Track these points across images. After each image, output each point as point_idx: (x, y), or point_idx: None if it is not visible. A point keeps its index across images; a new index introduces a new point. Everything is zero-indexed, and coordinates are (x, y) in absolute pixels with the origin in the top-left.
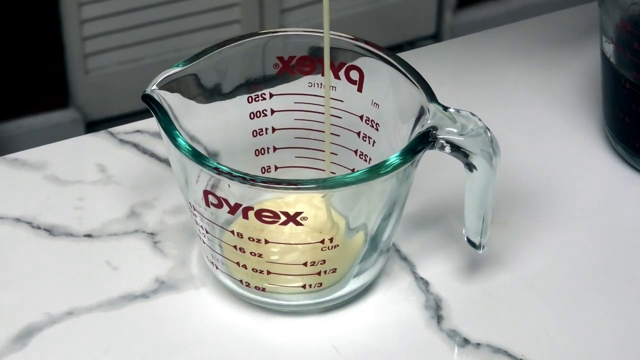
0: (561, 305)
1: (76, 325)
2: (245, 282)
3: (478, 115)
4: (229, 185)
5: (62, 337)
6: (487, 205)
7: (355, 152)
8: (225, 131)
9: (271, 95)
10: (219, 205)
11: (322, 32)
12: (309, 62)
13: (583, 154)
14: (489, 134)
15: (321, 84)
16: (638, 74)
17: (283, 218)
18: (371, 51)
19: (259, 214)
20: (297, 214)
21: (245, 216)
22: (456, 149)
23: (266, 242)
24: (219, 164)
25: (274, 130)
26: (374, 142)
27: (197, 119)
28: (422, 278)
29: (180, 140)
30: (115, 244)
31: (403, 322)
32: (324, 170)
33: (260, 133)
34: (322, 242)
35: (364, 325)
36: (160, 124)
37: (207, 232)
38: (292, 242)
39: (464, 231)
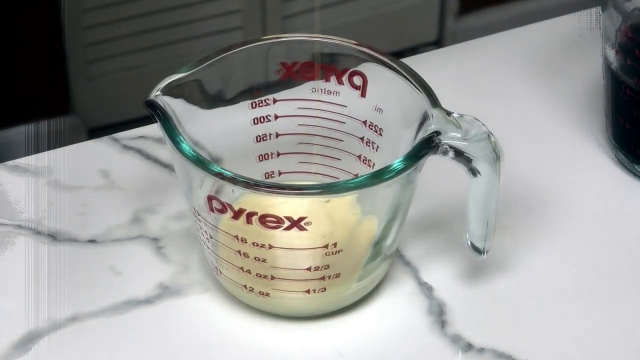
0: (564, 310)
1: (79, 331)
2: (249, 287)
3: (481, 121)
4: (233, 191)
5: (65, 342)
6: (491, 210)
7: (359, 157)
8: (229, 137)
9: (274, 101)
10: (222, 211)
11: (326, 38)
12: (311, 67)
13: (585, 159)
14: (492, 139)
15: (324, 89)
16: (639, 80)
17: (287, 223)
18: (374, 57)
19: (262, 219)
20: (301, 219)
21: (249, 221)
22: (459, 154)
23: (270, 247)
24: (223, 169)
25: (277, 135)
26: (377, 147)
27: (201, 124)
28: (425, 283)
29: (183, 145)
30: (119, 250)
31: (406, 327)
32: (327, 175)
33: (264, 138)
34: (326, 247)
35: (368, 330)
36: (164, 130)
37: (210, 237)
38: (295, 247)
39: (467, 236)
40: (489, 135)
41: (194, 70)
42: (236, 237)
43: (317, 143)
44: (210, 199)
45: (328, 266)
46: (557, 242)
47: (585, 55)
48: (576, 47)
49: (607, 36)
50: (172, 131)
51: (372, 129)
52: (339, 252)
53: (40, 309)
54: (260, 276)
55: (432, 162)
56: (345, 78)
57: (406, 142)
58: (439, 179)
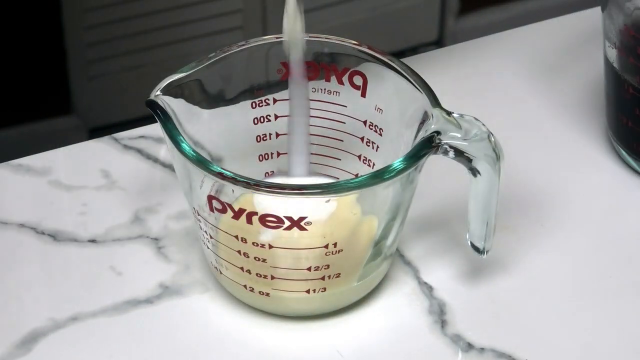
0: (565, 310)
1: (80, 331)
2: (249, 287)
3: (481, 120)
4: (233, 191)
5: (66, 342)
6: (491, 210)
7: (359, 157)
8: (229, 136)
9: (275, 101)
10: (223, 210)
11: (326, 38)
12: (312, 67)
13: (586, 158)
14: (493, 139)
15: (325, 89)
16: None
17: (287, 223)
18: (375, 56)
19: (262, 219)
20: (301, 218)
21: (249, 221)
22: (460, 154)
23: (270, 247)
24: (223, 169)
25: (277, 135)
26: (377, 147)
27: (201, 124)
28: (425, 283)
29: (184, 145)
30: (120, 249)
31: (407, 326)
32: (327, 175)
33: (264, 138)
34: (326, 247)
35: (368, 330)
36: (164, 130)
37: (211, 237)
38: (296, 247)
39: (467, 236)
40: (489, 135)
41: (194, 70)
42: (236, 236)
43: (317, 143)
44: (210, 198)
45: (328, 266)
46: (559, 241)
47: (585, 55)
48: (576, 47)
49: (608, 35)
50: (172, 131)
51: (372, 128)
52: (339, 252)
53: (40, 309)
54: (261, 276)
55: (432, 162)
56: (345, 78)
57: (406, 142)
58: (439, 179)
